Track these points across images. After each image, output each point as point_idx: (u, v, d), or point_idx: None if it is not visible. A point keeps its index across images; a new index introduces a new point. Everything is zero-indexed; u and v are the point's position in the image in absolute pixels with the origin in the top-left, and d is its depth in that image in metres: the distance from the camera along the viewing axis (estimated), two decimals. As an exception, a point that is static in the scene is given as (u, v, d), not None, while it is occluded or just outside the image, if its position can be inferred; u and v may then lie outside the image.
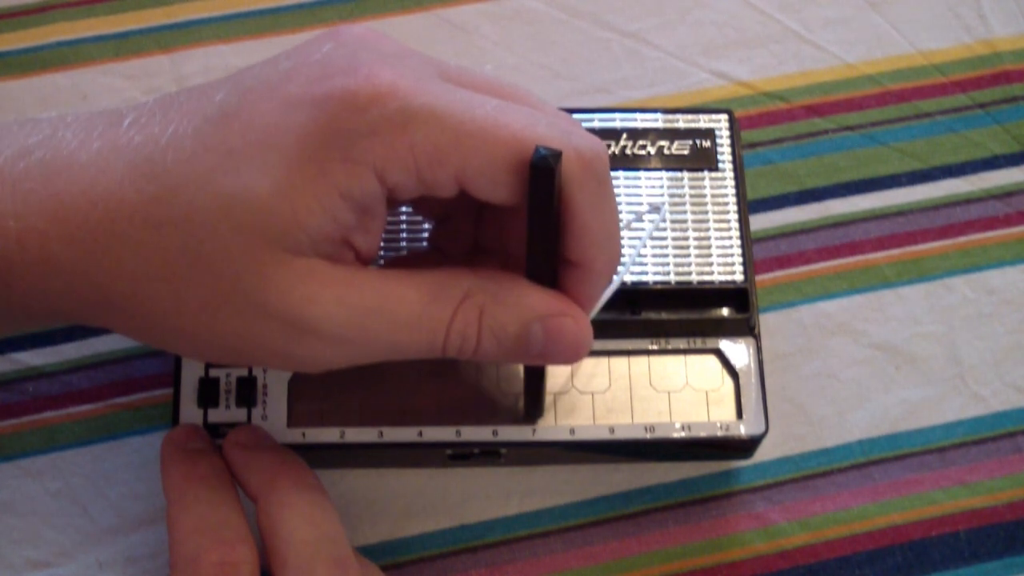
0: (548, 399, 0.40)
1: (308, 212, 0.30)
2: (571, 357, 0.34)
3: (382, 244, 0.40)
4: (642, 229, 0.41)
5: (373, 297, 0.32)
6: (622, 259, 0.39)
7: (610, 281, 0.34)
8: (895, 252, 0.47)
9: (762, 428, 0.40)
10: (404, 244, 0.40)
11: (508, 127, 0.31)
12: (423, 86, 0.31)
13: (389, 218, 0.39)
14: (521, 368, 0.39)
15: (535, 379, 0.38)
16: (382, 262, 0.40)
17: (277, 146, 0.30)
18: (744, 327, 0.41)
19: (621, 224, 0.40)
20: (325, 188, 0.30)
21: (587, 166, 0.32)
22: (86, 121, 0.33)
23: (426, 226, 0.40)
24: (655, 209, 0.40)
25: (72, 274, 0.32)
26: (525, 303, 0.33)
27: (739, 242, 0.41)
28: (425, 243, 0.40)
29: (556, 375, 0.40)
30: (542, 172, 0.30)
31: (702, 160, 0.43)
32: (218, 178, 0.30)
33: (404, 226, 0.40)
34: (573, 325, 0.33)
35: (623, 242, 0.40)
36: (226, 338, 0.32)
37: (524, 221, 0.32)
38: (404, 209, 0.40)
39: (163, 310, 0.32)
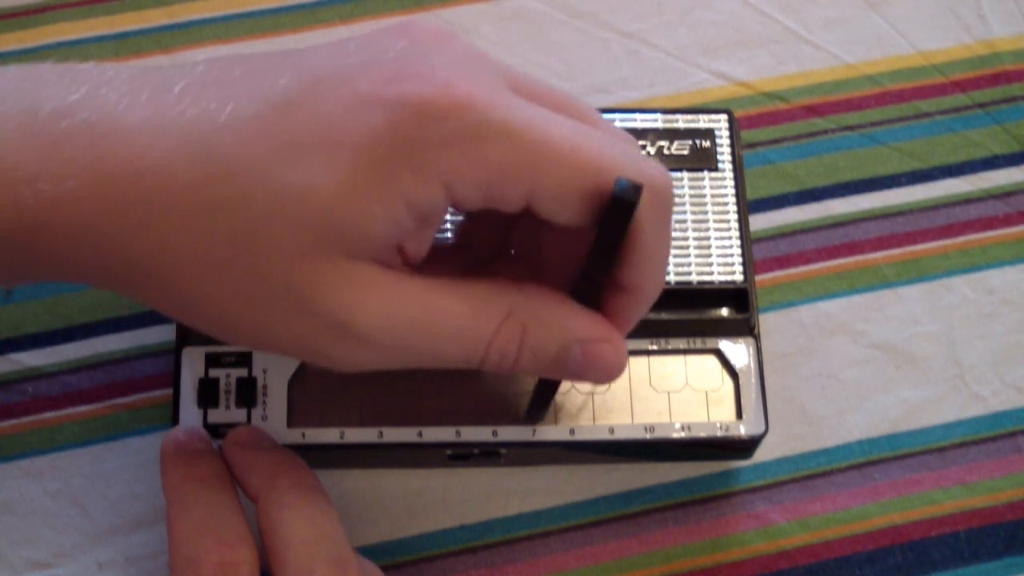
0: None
1: (371, 218, 0.30)
2: (605, 380, 0.34)
3: None
4: None
5: (419, 308, 0.31)
6: None
7: (648, 309, 0.34)
8: (895, 252, 0.47)
9: (762, 428, 0.40)
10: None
11: (584, 152, 0.30)
12: (499, 99, 0.30)
13: None
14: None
15: (549, 388, 0.38)
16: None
17: (345, 145, 0.29)
18: (744, 327, 0.41)
19: None
20: (391, 195, 0.29)
21: (659, 197, 0.31)
22: (130, 80, 0.31)
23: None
24: None
25: (108, 244, 0.30)
26: (567, 325, 0.33)
27: (739, 242, 0.41)
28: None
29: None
30: (623, 205, 0.30)
31: (702, 160, 0.43)
32: (280, 169, 0.29)
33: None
34: (612, 351, 0.33)
35: None
36: (265, 331, 0.31)
37: (571, 238, 0.32)
38: None
39: (202, 295, 0.31)
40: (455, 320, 0.32)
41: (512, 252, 0.36)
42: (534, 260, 0.35)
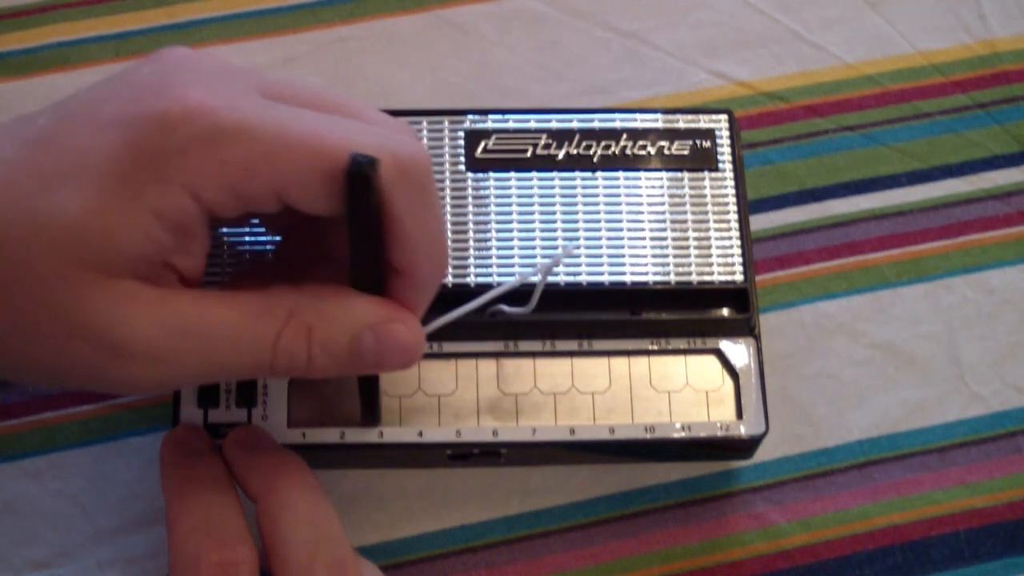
0: (548, 399, 0.40)
1: (120, 232, 0.30)
2: (405, 362, 0.34)
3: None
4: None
5: (190, 317, 0.32)
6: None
7: (438, 288, 0.34)
8: (895, 252, 0.47)
9: (762, 428, 0.40)
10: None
11: (321, 138, 0.31)
12: (235, 103, 0.31)
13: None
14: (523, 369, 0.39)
15: (369, 386, 0.38)
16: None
17: (90, 167, 0.30)
18: (744, 327, 0.41)
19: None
20: (138, 208, 0.30)
21: (405, 172, 0.31)
22: None
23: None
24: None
25: None
26: (352, 314, 0.33)
27: (739, 242, 0.41)
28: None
29: (558, 376, 0.40)
30: (356, 178, 0.30)
31: (702, 160, 0.43)
32: (32, 200, 0.30)
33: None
34: (404, 330, 0.33)
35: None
36: (41, 361, 0.32)
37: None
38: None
39: None
40: (229, 325, 0.32)
41: (328, 260, 0.36)
42: (343, 263, 0.35)
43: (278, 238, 0.39)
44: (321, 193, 0.31)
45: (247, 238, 0.40)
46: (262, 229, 0.40)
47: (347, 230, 0.32)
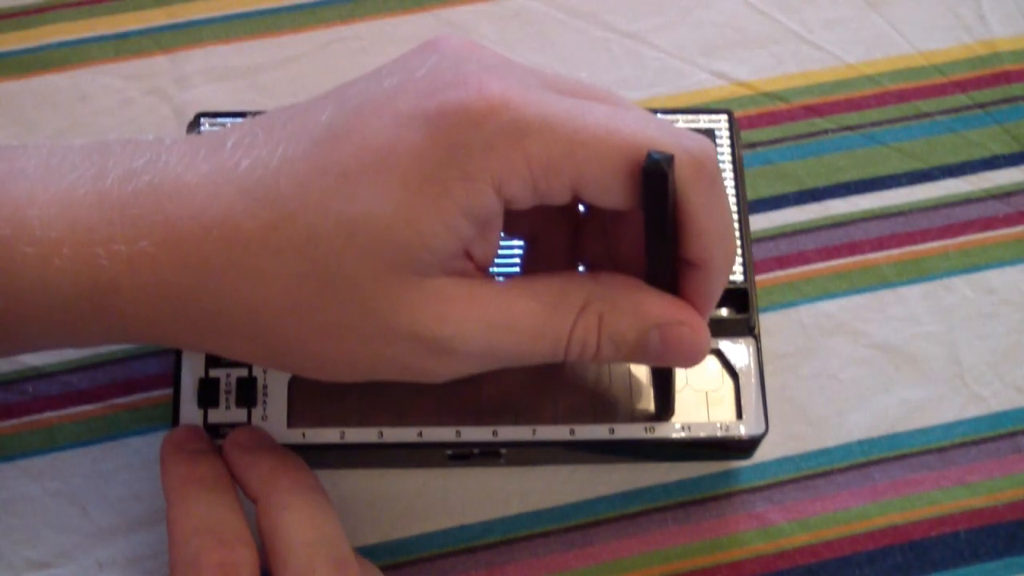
0: (548, 398, 0.40)
1: (433, 235, 0.30)
2: (689, 362, 0.34)
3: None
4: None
5: (498, 312, 0.32)
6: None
7: (728, 279, 0.34)
8: (895, 252, 0.47)
9: (762, 428, 0.40)
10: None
11: (620, 132, 0.31)
12: (533, 96, 0.31)
13: None
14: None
15: (663, 380, 0.38)
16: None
17: (394, 167, 0.30)
18: (744, 327, 0.41)
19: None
20: (447, 208, 0.30)
21: (699, 167, 0.31)
22: (187, 144, 0.32)
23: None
24: None
25: (185, 300, 0.31)
26: (643, 310, 0.33)
27: (739, 242, 0.41)
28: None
29: (558, 375, 0.40)
30: (655, 176, 0.30)
31: (702, 160, 0.42)
32: (336, 202, 0.30)
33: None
34: (689, 333, 0.33)
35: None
36: (356, 360, 0.32)
37: (635, 226, 0.32)
38: None
39: (285, 336, 0.32)
40: (534, 318, 0.32)
41: (586, 254, 0.37)
42: (607, 267, 0.36)
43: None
44: (619, 188, 0.31)
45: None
46: None
47: (635, 226, 0.32)
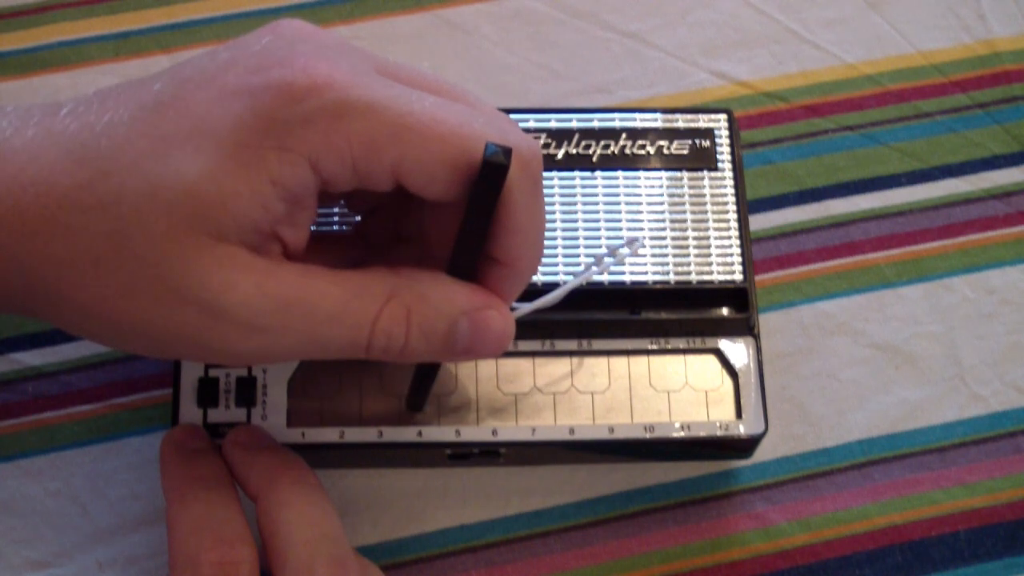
0: (547, 398, 0.40)
1: (236, 197, 0.30)
2: (495, 350, 0.34)
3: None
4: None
5: (293, 288, 0.32)
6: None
7: (528, 281, 0.34)
8: (895, 252, 0.47)
9: (762, 428, 0.40)
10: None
11: (447, 123, 0.31)
12: (361, 79, 0.31)
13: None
14: (523, 368, 0.39)
15: (427, 374, 0.38)
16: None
17: (210, 133, 0.30)
18: (744, 327, 0.41)
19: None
20: (257, 175, 0.30)
21: (525, 166, 0.32)
22: (24, 111, 0.33)
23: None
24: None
25: (2, 258, 0.31)
26: (451, 299, 0.33)
27: (738, 242, 0.41)
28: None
29: (558, 375, 0.40)
30: (494, 169, 0.30)
31: (701, 160, 0.43)
32: (148, 163, 0.30)
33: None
34: (498, 317, 0.33)
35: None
36: (146, 326, 0.32)
37: (448, 216, 0.32)
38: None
39: (86, 297, 0.32)
40: (332, 300, 0.32)
41: (404, 240, 0.36)
42: (420, 245, 0.36)
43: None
44: (440, 178, 0.31)
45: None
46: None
47: (448, 215, 0.32)
